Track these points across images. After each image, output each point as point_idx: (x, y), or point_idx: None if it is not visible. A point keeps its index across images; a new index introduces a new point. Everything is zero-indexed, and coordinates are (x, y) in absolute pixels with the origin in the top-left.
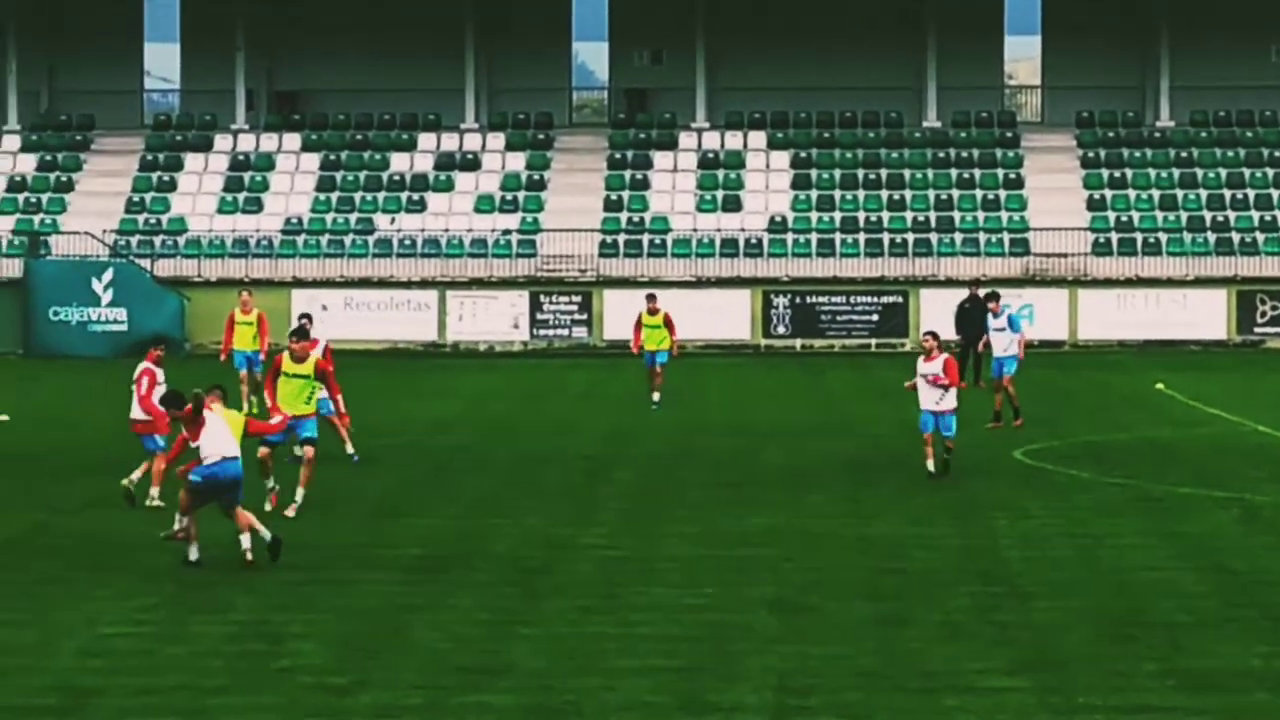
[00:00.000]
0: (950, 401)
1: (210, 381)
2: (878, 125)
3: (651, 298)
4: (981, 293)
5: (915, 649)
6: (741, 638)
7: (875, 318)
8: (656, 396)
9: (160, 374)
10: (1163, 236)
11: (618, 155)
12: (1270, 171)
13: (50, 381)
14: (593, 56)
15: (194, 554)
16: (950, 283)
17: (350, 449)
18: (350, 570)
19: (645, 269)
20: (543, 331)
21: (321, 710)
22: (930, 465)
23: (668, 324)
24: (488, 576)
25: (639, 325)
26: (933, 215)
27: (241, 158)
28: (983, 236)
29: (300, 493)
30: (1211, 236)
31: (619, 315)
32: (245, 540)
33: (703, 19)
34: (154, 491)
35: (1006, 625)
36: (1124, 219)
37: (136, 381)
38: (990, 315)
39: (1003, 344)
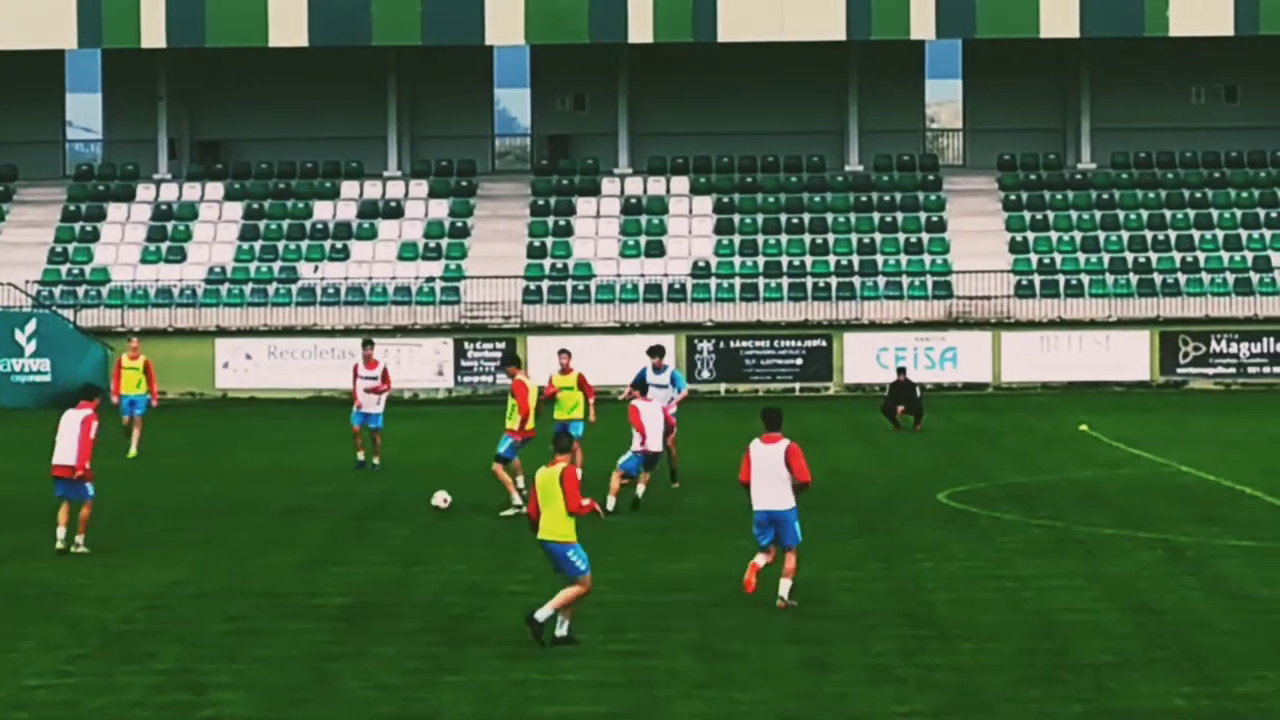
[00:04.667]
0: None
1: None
2: (800, 169)
3: (564, 354)
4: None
5: (840, 693)
6: (667, 684)
7: (799, 361)
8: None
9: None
10: (1085, 278)
11: (540, 202)
12: (1191, 213)
13: None
14: (515, 103)
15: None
16: (874, 326)
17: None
18: (276, 619)
19: (569, 315)
20: (467, 378)
21: None
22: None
23: (583, 386)
24: (413, 624)
25: (550, 385)
26: (856, 259)
27: (164, 207)
28: (905, 280)
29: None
30: (1134, 278)
31: (543, 362)
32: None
33: (625, 65)
34: (80, 539)
35: (932, 668)
36: (1046, 261)
37: (85, 427)
38: (651, 370)
39: (662, 400)
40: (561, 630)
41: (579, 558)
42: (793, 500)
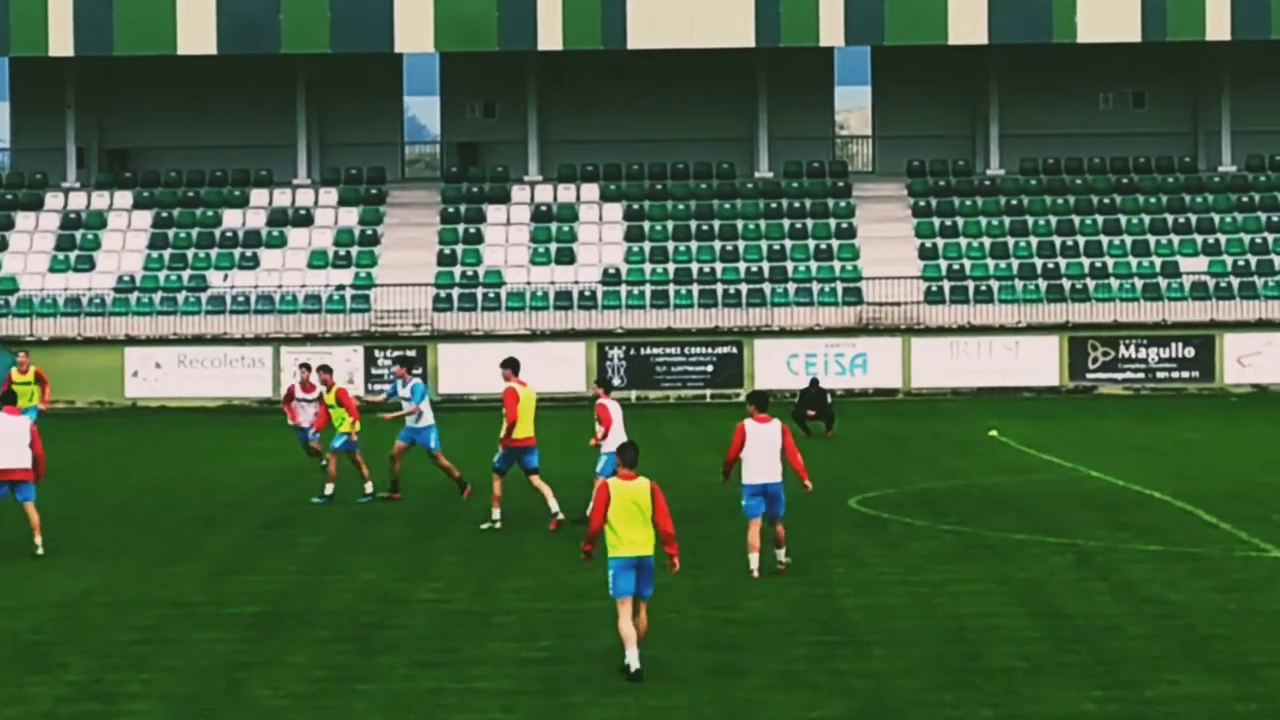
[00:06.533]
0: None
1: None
2: (710, 176)
3: (321, 370)
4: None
5: (753, 699)
6: (579, 690)
7: (710, 368)
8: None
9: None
10: (994, 284)
11: (450, 209)
12: (1100, 218)
13: None
14: (424, 110)
15: None
16: (784, 333)
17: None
18: (186, 629)
19: (479, 323)
20: (378, 386)
21: None
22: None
23: (343, 402)
24: (324, 633)
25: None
26: (766, 265)
27: (73, 216)
28: (816, 286)
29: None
30: (1042, 283)
31: (454, 369)
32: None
33: (534, 72)
34: (39, 540)
35: (843, 674)
36: (955, 267)
37: (34, 433)
38: (400, 383)
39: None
40: (636, 662)
41: None
42: (782, 474)
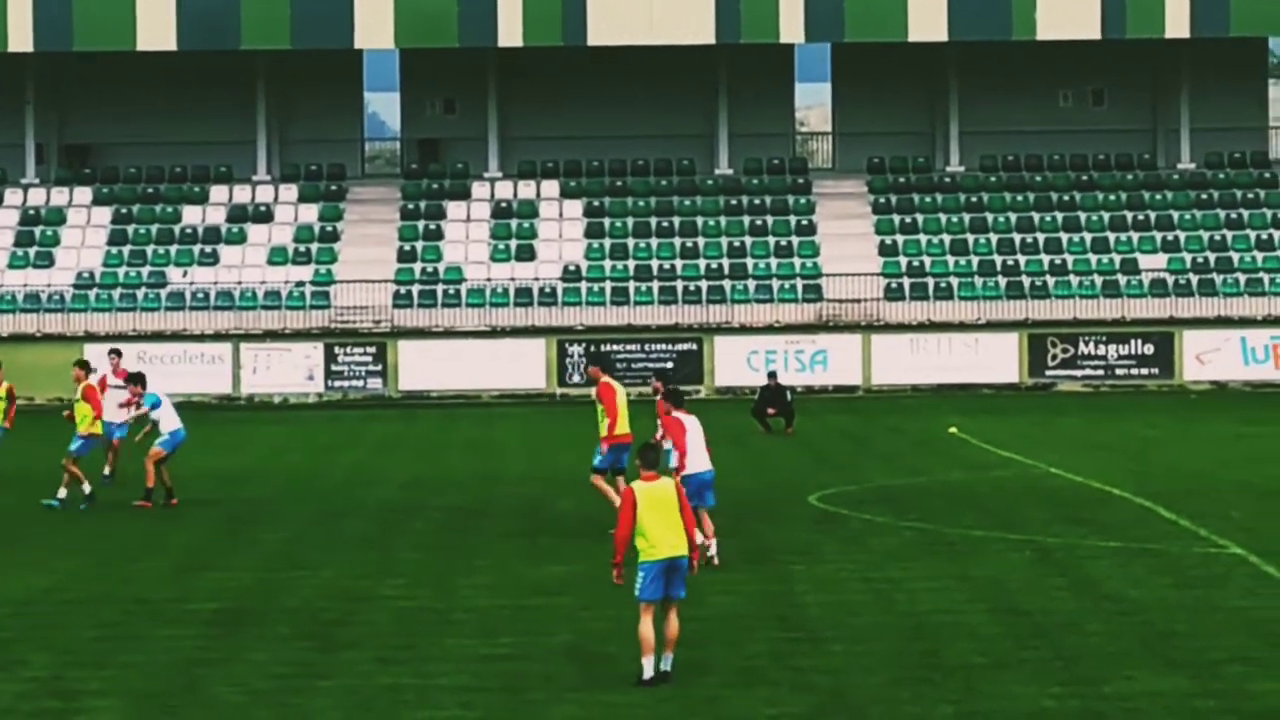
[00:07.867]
0: None
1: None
2: (670, 173)
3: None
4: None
5: (714, 695)
6: (540, 687)
7: (670, 365)
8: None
9: None
10: (954, 281)
11: (411, 206)
12: (1059, 215)
13: None
14: (384, 107)
15: None
16: (744, 330)
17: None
18: (147, 625)
19: (440, 319)
20: (338, 383)
21: None
22: None
23: (89, 399)
24: (285, 629)
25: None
26: (726, 262)
27: (32, 212)
28: (776, 283)
29: None
30: (1002, 280)
31: (414, 366)
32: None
33: (494, 69)
34: None
35: (804, 670)
36: (915, 264)
37: None
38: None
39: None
40: (667, 665)
41: None
42: None
